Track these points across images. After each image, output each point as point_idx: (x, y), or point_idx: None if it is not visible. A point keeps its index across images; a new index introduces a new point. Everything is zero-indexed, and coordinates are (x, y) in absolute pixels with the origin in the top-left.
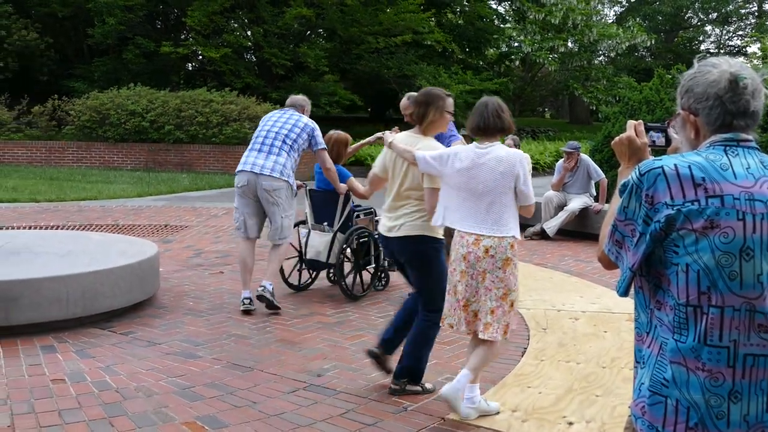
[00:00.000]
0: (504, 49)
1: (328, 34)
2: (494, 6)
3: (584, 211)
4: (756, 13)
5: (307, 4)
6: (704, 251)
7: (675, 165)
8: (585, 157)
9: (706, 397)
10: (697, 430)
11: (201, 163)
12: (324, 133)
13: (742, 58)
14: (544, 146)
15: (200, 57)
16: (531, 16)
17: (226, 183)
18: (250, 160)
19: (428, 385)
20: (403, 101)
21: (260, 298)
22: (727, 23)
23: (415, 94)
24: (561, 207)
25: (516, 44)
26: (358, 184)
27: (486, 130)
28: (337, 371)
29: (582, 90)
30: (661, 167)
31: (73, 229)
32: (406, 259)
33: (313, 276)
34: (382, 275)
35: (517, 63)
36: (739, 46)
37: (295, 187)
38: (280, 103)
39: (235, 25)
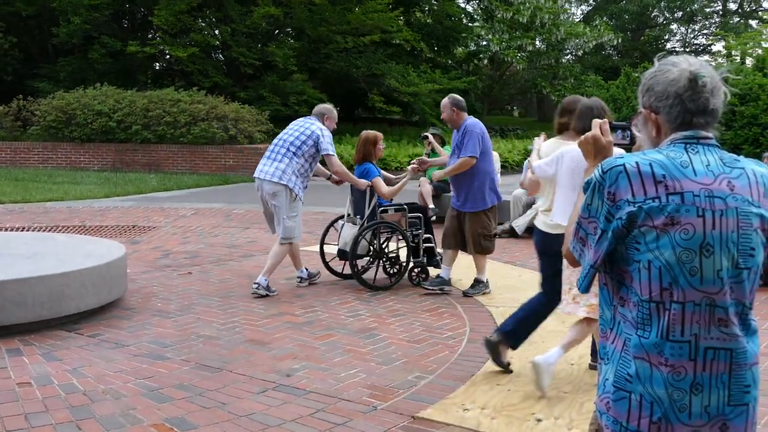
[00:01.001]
0: (472, 47)
1: (297, 33)
2: (462, 5)
3: None
4: (720, 12)
5: (276, 3)
6: (665, 248)
7: (636, 163)
8: None
9: (669, 392)
10: (661, 425)
11: (169, 163)
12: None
13: (706, 57)
14: (513, 144)
15: (168, 56)
16: (499, 15)
17: (194, 183)
18: (259, 167)
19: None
20: (445, 101)
21: (255, 296)
22: (692, 22)
23: (458, 97)
24: (529, 205)
25: (484, 43)
26: (382, 184)
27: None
28: (307, 371)
29: (550, 88)
30: (623, 165)
31: (39, 230)
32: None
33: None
34: (420, 270)
35: (486, 62)
36: (704, 44)
37: (297, 190)
38: (249, 103)
39: (203, 24)
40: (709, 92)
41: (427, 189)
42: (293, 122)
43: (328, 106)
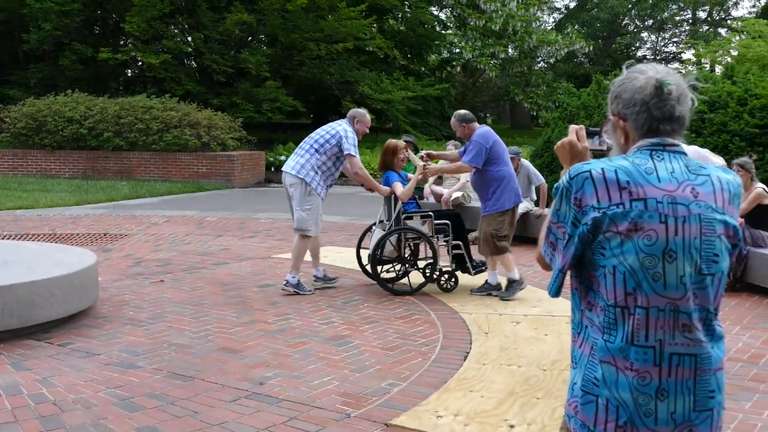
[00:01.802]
0: (445, 55)
1: (270, 40)
2: (435, 12)
3: (525, 216)
4: (690, 21)
5: (248, 10)
6: (629, 253)
7: (602, 169)
8: (525, 162)
9: (634, 396)
10: (627, 429)
11: (141, 170)
12: (266, 138)
13: (677, 64)
14: None
15: (140, 63)
16: (472, 23)
17: (167, 190)
18: (285, 161)
19: None
20: (452, 120)
21: (285, 294)
22: (662, 30)
23: (462, 111)
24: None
25: (457, 50)
26: (399, 186)
27: None
28: (280, 379)
29: (522, 95)
30: (589, 171)
31: (8, 238)
32: None
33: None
34: (449, 277)
35: (459, 69)
36: (674, 52)
37: (315, 185)
38: (222, 110)
39: (175, 31)
40: (675, 100)
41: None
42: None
43: (360, 111)
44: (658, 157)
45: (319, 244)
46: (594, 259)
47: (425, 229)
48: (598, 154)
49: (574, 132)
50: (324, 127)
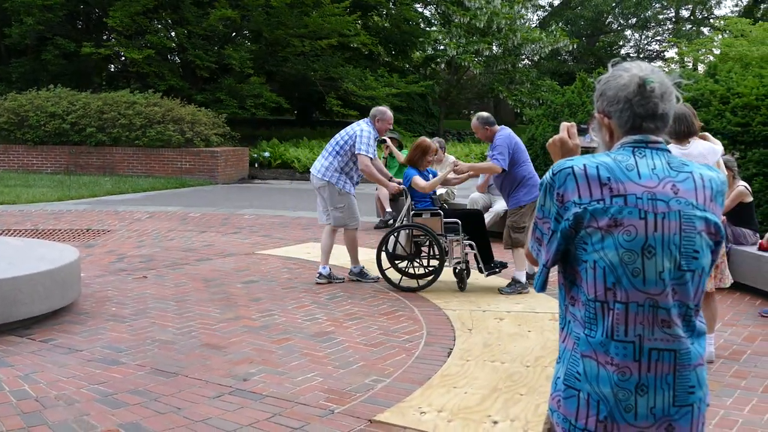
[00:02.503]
0: (430, 52)
1: (254, 36)
2: (420, 9)
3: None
4: (673, 19)
5: (232, 5)
6: (609, 248)
7: (584, 165)
8: None
9: (614, 391)
10: (607, 424)
11: (124, 166)
12: (250, 135)
13: (660, 63)
14: (470, 148)
15: (123, 58)
16: (456, 20)
17: (150, 186)
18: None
19: None
20: (473, 122)
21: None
22: (645, 28)
23: (485, 114)
24: (486, 209)
25: (441, 47)
26: (419, 179)
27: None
28: (264, 375)
29: (507, 93)
30: (571, 167)
31: None
32: None
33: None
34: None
35: (443, 66)
36: (657, 50)
37: (341, 185)
38: (205, 106)
39: (159, 26)
40: (658, 97)
41: (384, 193)
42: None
43: (381, 108)
44: (640, 154)
45: (355, 241)
46: (576, 254)
47: (435, 227)
48: (590, 151)
49: (566, 129)
50: (345, 128)
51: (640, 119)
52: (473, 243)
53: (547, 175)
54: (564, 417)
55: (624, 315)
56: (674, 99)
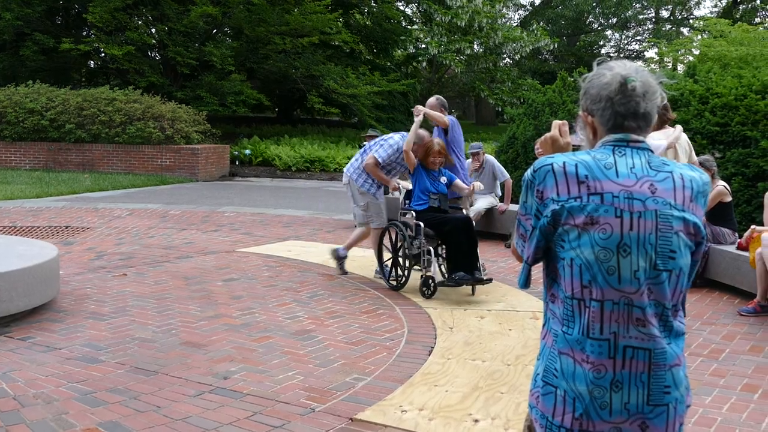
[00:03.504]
0: (411, 50)
1: (235, 33)
2: (401, 7)
3: (489, 212)
4: (653, 19)
5: (213, 2)
6: (585, 246)
7: (564, 162)
8: (490, 157)
9: (590, 389)
10: (582, 421)
11: (104, 163)
12: (231, 132)
13: (640, 62)
14: None
15: (102, 54)
16: (438, 18)
17: (130, 183)
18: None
19: None
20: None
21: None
22: (626, 28)
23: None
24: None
25: (423, 46)
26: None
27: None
28: (244, 373)
29: (488, 92)
30: (551, 164)
31: None
32: None
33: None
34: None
35: (424, 64)
36: (637, 50)
37: (361, 184)
38: (186, 103)
39: (139, 23)
40: (639, 96)
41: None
42: None
43: (424, 133)
44: (620, 152)
45: (373, 234)
46: (555, 251)
47: (410, 225)
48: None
49: (557, 127)
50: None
51: (622, 118)
52: (430, 249)
53: (529, 171)
54: (542, 413)
55: (599, 313)
56: (658, 98)
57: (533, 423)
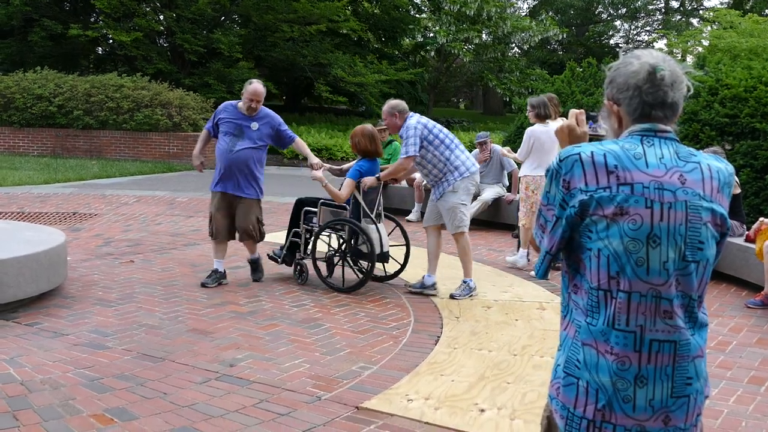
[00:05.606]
0: (419, 39)
1: (243, 20)
2: None
3: (497, 201)
4: (663, 10)
5: None
6: (614, 237)
7: (592, 152)
8: (497, 147)
9: (613, 380)
10: (605, 412)
11: (112, 149)
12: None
13: None
14: (459, 137)
15: (110, 41)
16: (446, 7)
17: (137, 170)
18: None
19: None
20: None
21: None
22: (635, 19)
23: (395, 101)
24: (474, 197)
25: (431, 35)
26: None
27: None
28: (251, 361)
29: (496, 81)
30: (579, 154)
31: None
32: None
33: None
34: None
35: (433, 53)
36: (646, 41)
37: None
38: (194, 90)
39: (147, 9)
40: (668, 86)
41: (419, 180)
42: None
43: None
44: (648, 142)
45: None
46: (581, 241)
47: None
48: (597, 139)
49: (574, 116)
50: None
51: (650, 107)
52: (297, 230)
53: (554, 161)
54: (563, 404)
55: (626, 304)
56: (684, 88)
57: (552, 414)
